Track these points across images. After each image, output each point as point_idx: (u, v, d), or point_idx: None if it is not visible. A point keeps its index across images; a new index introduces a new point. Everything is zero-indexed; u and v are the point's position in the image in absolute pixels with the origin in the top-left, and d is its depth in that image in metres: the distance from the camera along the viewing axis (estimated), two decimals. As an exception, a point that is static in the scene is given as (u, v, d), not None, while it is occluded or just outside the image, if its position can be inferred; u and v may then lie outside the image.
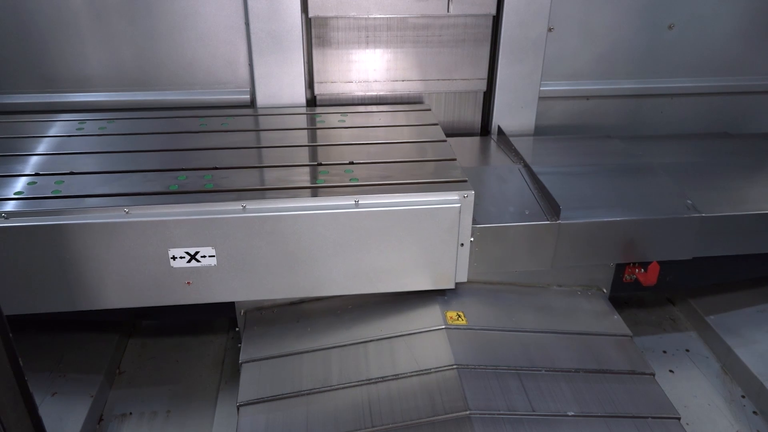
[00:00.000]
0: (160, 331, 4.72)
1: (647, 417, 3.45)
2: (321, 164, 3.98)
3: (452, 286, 3.90)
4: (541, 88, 5.31)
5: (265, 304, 4.08)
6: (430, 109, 4.91)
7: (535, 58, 5.17)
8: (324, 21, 4.93)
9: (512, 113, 5.31)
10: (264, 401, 3.49)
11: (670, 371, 4.41)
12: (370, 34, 5.02)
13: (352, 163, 3.98)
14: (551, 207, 4.05)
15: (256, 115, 4.82)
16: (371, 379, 3.53)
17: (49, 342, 4.35)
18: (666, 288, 4.57)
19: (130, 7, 4.84)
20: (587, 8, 5.23)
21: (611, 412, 3.45)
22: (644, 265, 4.19)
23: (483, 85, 5.32)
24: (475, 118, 5.48)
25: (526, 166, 4.59)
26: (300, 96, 5.05)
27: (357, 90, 5.21)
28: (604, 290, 4.30)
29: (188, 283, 3.61)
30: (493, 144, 5.18)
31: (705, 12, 5.34)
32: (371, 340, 3.77)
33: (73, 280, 3.54)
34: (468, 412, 3.31)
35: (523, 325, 3.89)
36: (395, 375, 3.53)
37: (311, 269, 3.69)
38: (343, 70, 5.14)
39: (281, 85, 4.99)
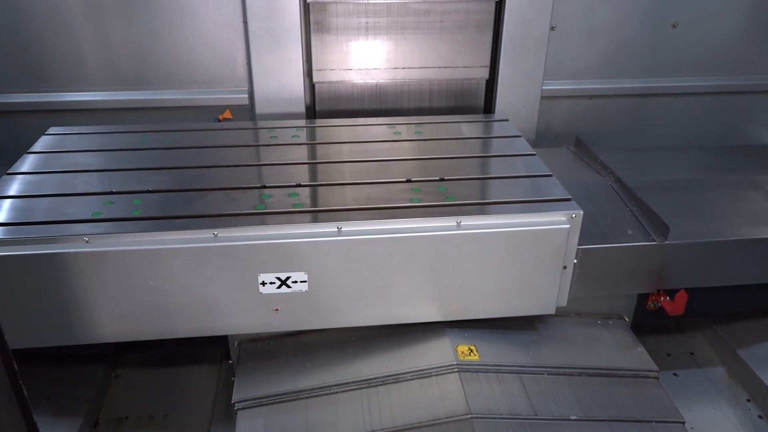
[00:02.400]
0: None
1: (651, 421, 3.41)
2: (411, 181, 3.75)
3: (552, 311, 3.66)
4: (543, 88, 5.25)
5: (261, 335, 3.85)
6: (507, 120, 4.72)
7: (537, 57, 5.11)
8: (323, 6, 4.82)
9: (514, 112, 5.22)
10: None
11: (674, 374, 4.35)
12: (369, 20, 4.92)
13: (443, 179, 3.76)
14: (656, 226, 3.85)
15: (325, 126, 4.62)
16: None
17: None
18: (692, 315, 4.20)
19: (127, 5, 4.81)
20: (590, 6, 5.20)
21: (614, 416, 3.39)
22: (671, 292, 3.95)
23: (485, 73, 5.22)
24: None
25: (618, 180, 4.40)
26: (299, 85, 4.98)
27: (357, 78, 5.11)
28: (626, 319, 4.08)
29: (276, 309, 3.41)
30: (570, 155, 4.99)
31: (709, 10, 5.30)
32: (376, 383, 3.55)
33: (156, 307, 3.33)
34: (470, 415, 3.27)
35: (541, 360, 3.67)
36: (405, 426, 3.32)
37: (406, 295, 3.49)
38: (343, 57, 5.03)
39: (279, 72, 4.92)
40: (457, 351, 3.59)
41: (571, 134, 5.46)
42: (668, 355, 4.53)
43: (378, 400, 3.43)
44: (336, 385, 3.52)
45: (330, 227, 3.27)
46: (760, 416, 4.02)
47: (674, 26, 5.31)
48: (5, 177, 3.69)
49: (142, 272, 3.18)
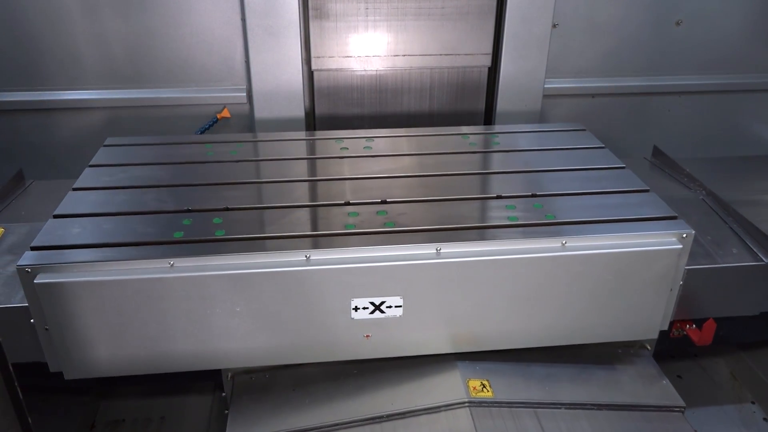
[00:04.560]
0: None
1: None
2: (501, 197, 3.53)
3: (655, 336, 3.43)
4: (546, 86, 5.18)
5: (256, 368, 3.57)
6: (585, 129, 4.49)
7: (539, 55, 5.03)
8: (322, -10, 4.73)
9: (516, 111, 5.17)
10: None
11: (678, 377, 4.31)
12: (369, 5, 4.81)
13: (535, 195, 3.54)
14: (760, 245, 3.62)
15: (393, 137, 4.38)
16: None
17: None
18: (720, 342, 3.89)
19: (124, 2, 4.76)
20: (592, 4, 5.13)
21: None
22: (697, 321, 3.71)
23: (488, 61, 5.11)
24: (477, 111, 5.33)
25: (711, 194, 4.12)
26: (298, 84, 4.91)
27: (356, 65, 5.01)
28: (648, 347, 3.76)
29: (367, 336, 3.19)
30: (647, 166, 4.69)
31: (713, 7, 5.23)
32: (381, 420, 3.29)
33: (242, 334, 3.11)
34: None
35: (558, 394, 3.41)
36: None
37: (504, 320, 3.25)
38: (342, 44, 4.94)
39: (278, 70, 4.85)
40: (468, 386, 3.34)
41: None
42: (672, 357, 4.48)
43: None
44: (338, 424, 3.29)
45: (428, 249, 3.05)
46: (765, 419, 4.00)
47: (678, 23, 5.25)
48: (72, 193, 3.51)
49: (229, 297, 2.98)
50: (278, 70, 4.84)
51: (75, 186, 3.58)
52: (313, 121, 5.19)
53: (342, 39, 4.91)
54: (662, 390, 3.49)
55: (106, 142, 4.17)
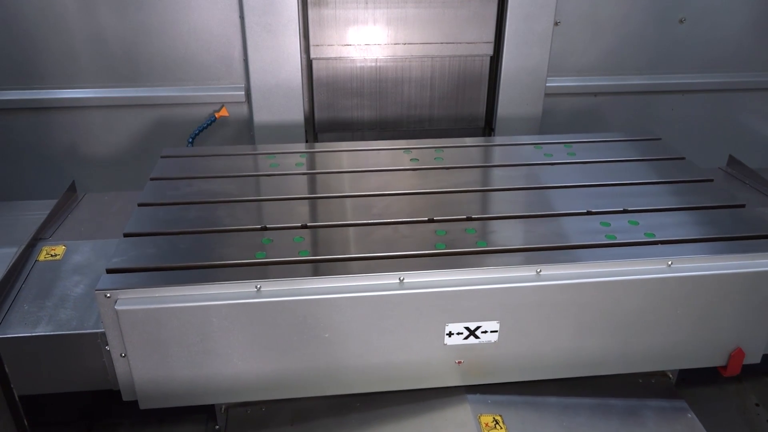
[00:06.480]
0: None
1: None
2: (591, 213, 3.38)
3: (758, 361, 3.25)
4: (547, 84, 5.15)
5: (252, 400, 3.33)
6: (660, 138, 4.28)
7: (541, 53, 5.01)
8: (321, -23, 4.64)
9: (517, 110, 5.15)
10: None
11: (682, 379, 4.31)
12: (369, -8, 4.74)
13: (626, 210, 3.39)
14: None
15: (466, 147, 4.19)
16: None
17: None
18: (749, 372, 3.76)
19: (121, 0, 4.68)
20: (595, 1, 5.13)
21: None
22: None
23: (489, 49, 5.04)
24: (479, 102, 5.27)
25: None
26: (297, 83, 4.83)
27: (355, 54, 4.91)
28: (670, 375, 3.58)
29: (459, 362, 3.02)
30: (722, 176, 4.40)
31: (717, 5, 5.27)
32: None
33: (331, 360, 2.96)
34: None
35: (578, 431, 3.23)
36: None
37: (604, 344, 3.10)
38: (341, 32, 4.84)
39: (276, 69, 4.77)
40: (480, 422, 3.15)
41: (575, 132, 5.38)
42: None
43: None
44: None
45: (528, 271, 2.91)
46: (770, 421, 3.99)
47: (681, 21, 5.28)
48: (139, 209, 3.38)
49: (317, 323, 2.84)
50: (277, 67, 4.77)
51: (140, 201, 3.45)
52: (312, 114, 5.11)
53: (341, 27, 4.82)
54: (687, 424, 3.31)
55: (163, 153, 4.00)
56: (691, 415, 3.33)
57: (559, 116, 5.47)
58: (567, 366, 3.15)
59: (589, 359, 3.12)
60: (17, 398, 2.96)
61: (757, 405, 3.97)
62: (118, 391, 2.94)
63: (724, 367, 3.32)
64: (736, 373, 3.34)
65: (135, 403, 2.96)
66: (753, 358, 3.24)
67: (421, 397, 3.25)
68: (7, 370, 2.89)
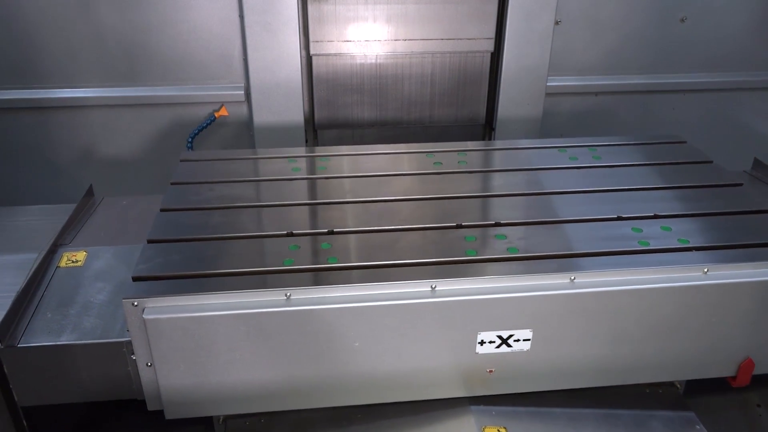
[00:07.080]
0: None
1: None
2: (622, 218, 3.32)
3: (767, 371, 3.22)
4: (548, 84, 5.17)
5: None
6: (686, 142, 4.21)
7: (542, 52, 5.02)
8: (320, -28, 4.63)
9: (518, 109, 5.16)
10: None
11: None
12: (369, -12, 4.73)
13: (657, 216, 3.33)
14: None
15: (492, 149, 4.15)
16: None
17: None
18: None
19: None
20: (596, 0, 5.13)
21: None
22: None
23: (490, 46, 5.05)
24: (479, 99, 5.26)
25: None
26: (296, 82, 4.84)
27: (355, 50, 4.91)
28: (678, 385, 3.51)
29: (490, 371, 2.97)
30: (747, 178, 4.19)
31: (718, 4, 5.29)
32: None
33: (360, 370, 2.90)
34: None
35: None
36: None
37: (638, 354, 3.05)
38: (341, 28, 4.83)
39: (276, 68, 4.78)
40: None
41: (575, 132, 5.41)
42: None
43: None
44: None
45: (561, 278, 2.86)
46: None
47: (683, 21, 5.29)
48: (161, 215, 3.32)
49: (347, 332, 2.78)
50: (276, 66, 4.77)
51: (163, 206, 3.38)
52: (311, 111, 5.10)
53: (341, 23, 4.82)
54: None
55: (182, 157, 3.93)
56: (700, 426, 3.29)
57: (560, 116, 5.47)
58: (599, 374, 3.10)
59: (622, 367, 3.07)
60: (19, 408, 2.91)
61: (758, 406, 3.98)
62: (116, 402, 2.94)
63: (734, 378, 3.27)
64: (745, 384, 3.30)
65: (129, 414, 3.00)
66: (763, 368, 3.22)
67: (424, 408, 3.22)
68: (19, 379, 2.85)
